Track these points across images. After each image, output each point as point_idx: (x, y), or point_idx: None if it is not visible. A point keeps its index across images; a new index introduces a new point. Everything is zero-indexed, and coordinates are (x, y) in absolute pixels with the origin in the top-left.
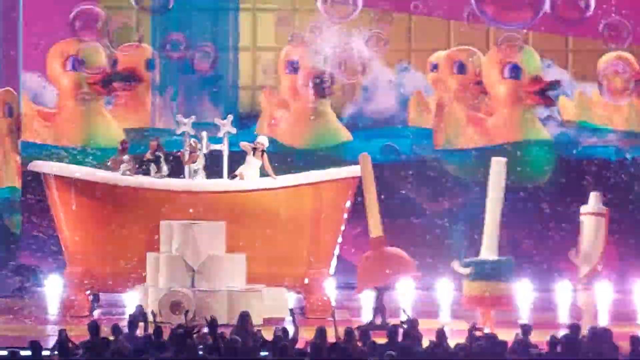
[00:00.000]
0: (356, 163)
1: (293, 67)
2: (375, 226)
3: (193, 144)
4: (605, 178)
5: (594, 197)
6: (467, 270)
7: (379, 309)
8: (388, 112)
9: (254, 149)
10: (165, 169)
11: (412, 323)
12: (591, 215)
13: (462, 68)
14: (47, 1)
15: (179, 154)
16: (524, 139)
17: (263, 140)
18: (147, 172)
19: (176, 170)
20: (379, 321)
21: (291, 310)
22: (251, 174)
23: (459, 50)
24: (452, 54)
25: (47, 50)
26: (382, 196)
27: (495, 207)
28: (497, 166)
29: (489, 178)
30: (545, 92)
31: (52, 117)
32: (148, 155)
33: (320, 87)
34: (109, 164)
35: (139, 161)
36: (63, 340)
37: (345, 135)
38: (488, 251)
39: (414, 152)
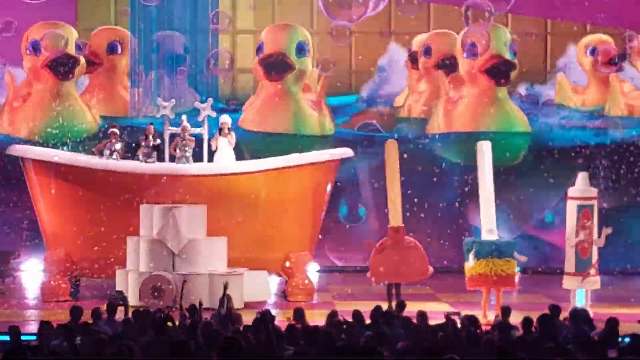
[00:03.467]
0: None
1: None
2: (395, 215)
3: (187, 127)
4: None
5: (580, 179)
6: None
7: (392, 296)
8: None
9: (220, 130)
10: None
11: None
12: (570, 199)
13: None
14: None
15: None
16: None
17: (225, 119)
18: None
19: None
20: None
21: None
22: (227, 153)
23: None
24: None
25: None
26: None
27: (487, 188)
28: (483, 148)
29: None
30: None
31: None
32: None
33: None
34: (102, 148)
35: (151, 147)
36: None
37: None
38: (489, 232)
39: None
